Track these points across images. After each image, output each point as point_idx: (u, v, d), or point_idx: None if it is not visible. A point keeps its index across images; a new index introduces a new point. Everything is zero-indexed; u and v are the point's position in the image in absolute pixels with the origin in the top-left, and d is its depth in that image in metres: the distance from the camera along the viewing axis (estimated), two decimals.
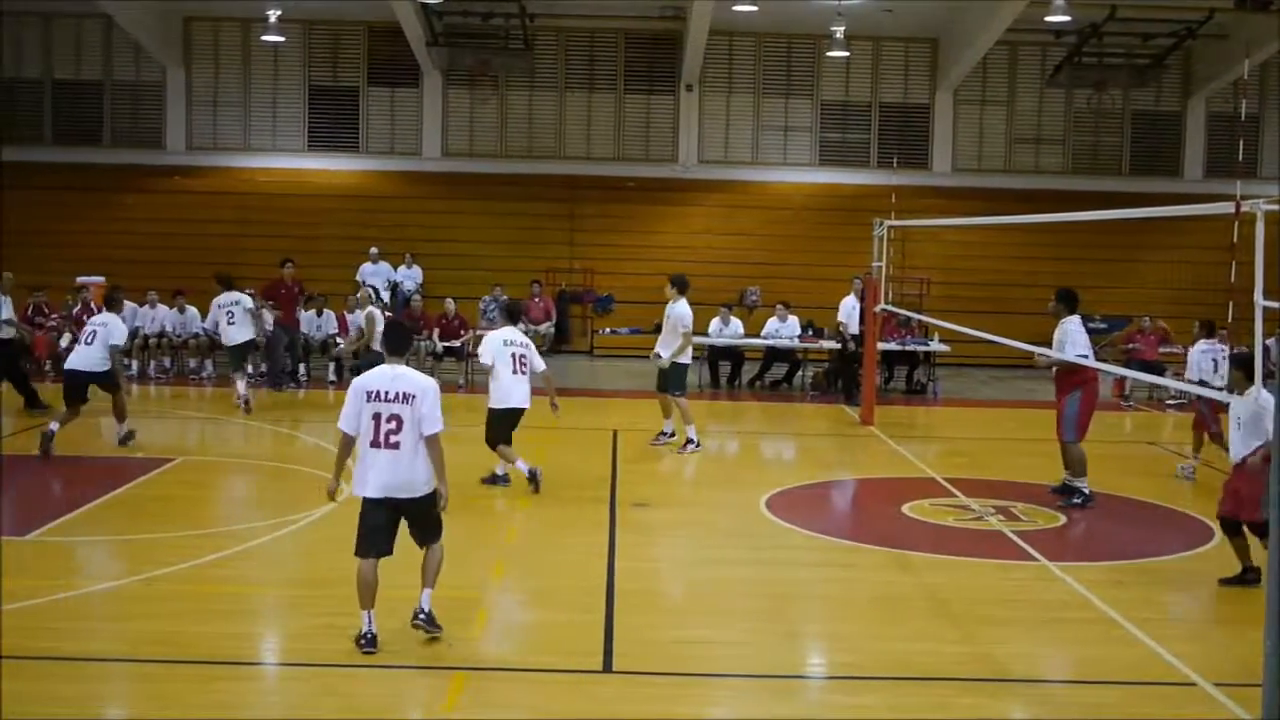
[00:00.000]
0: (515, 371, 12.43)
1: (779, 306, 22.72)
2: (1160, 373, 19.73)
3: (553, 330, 26.15)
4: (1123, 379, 20.67)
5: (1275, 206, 8.05)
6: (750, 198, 28.74)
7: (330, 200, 28.00)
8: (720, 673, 7.89)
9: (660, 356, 15.37)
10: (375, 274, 25.58)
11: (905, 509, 12.42)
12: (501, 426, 12.60)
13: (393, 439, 7.77)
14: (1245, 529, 9.50)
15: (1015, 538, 11.30)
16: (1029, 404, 19.73)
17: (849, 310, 20.36)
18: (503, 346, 12.49)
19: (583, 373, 23.94)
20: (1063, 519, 12.23)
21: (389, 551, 7.91)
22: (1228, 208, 9.07)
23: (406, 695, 7.42)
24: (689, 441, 15.16)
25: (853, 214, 25.08)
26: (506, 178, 28.31)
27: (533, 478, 12.40)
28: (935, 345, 21.97)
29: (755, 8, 24.52)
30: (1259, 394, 9.17)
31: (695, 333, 22.17)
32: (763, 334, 22.66)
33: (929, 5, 26.52)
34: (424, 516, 7.98)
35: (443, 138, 28.70)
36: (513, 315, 13.07)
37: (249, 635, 8.51)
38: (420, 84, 28.48)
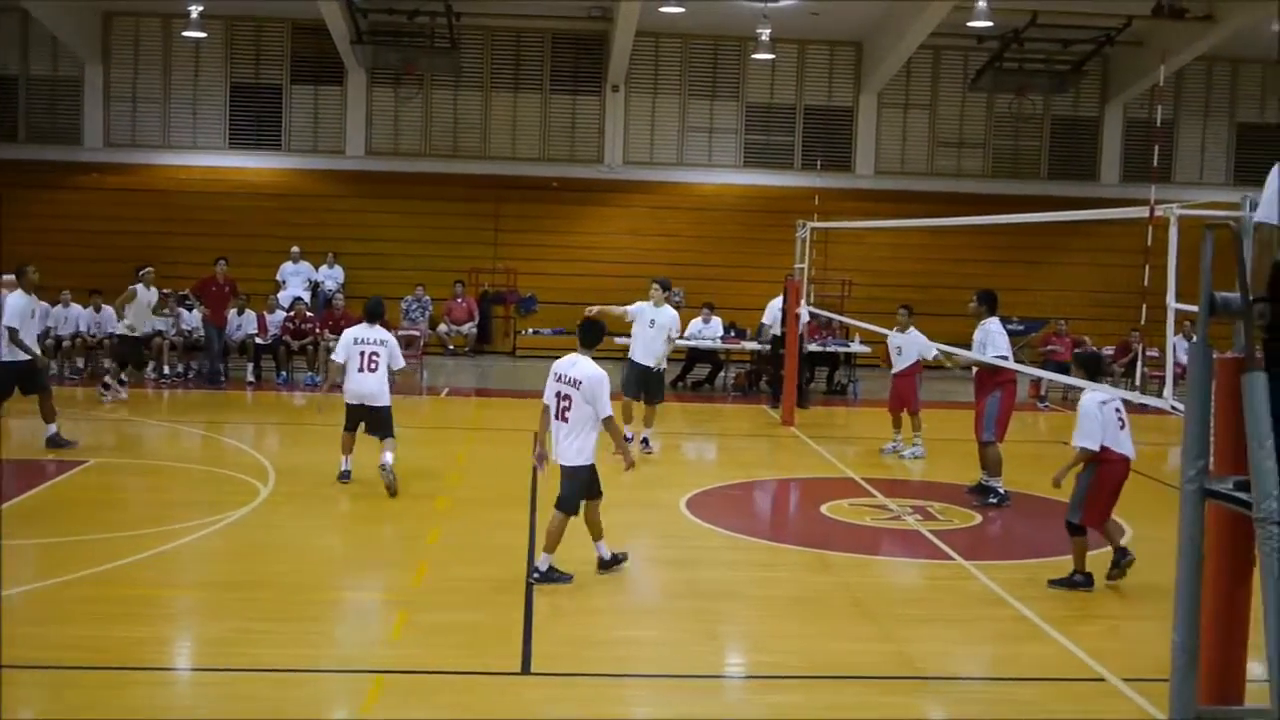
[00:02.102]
0: (362, 369, 12.61)
1: (704, 308, 22.81)
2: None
3: (475, 331, 26.06)
4: (1039, 380, 20.98)
5: (1189, 211, 8.19)
6: (675, 199, 28.81)
7: (252, 199, 27.67)
8: (640, 673, 7.89)
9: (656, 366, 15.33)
10: (296, 273, 25.36)
11: (824, 509, 12.51)
12: (348, 419, 12.77)
13: (565, 414, 9.44)
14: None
15: (932, 537, 11.42)
16: (946, 405, 19.92)
17: (775, 311, 20.35)
18: (353, 344, 12.71)
19: (505, 374, 23.89)
20: (978, 518, 12.38)
21: (574, 512, 9.59)
22: (1143, 212, 9.22)
23: (324, 699, 7.35)
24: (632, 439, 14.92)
25: (777, 215, 25.27)
26: (430, 177, 28.15)
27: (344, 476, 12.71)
28: (856, 346, 22.16)
29: (682, 9, 24.58)
30: (1083, 397, 9.83)
31: (618, 334, 22.21)
32: (686, 335, 22.70)
33: (854, 9, 26.73)
34: (573, 483, 9.54)
35: (367, 136, 28.47)
36: (370, 315, 13.07)
37: (165, 639, 8.38)
38: (344, 82, 28.22)
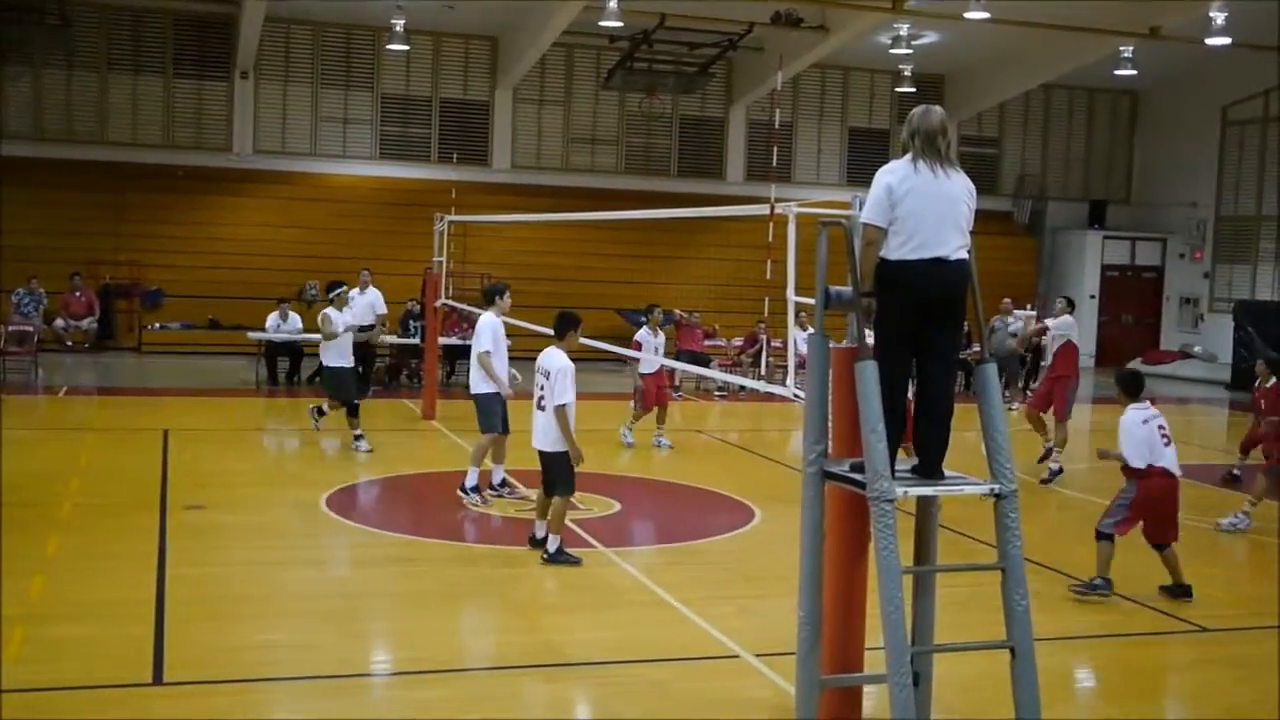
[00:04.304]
0: None
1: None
2: (705, 364, 20.91)
3: (96, 325, 24.67)
4: (672, 370, 21.72)
5: (806, 210, 8.63)
6: (310, 190, 28.19)
7: None
8: (281, 676, 7.68)
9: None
10: None
11: (467, 501, 12.53)
12: None
13: (541, 403, 10.13)
14: None
15: (574, 526, 11.61)
16: (590, 396, 20.34)
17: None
18: None
19: (130, 371, 22.69)
20: (618, 506, 12.69)
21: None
22: (764, 209, 9.68)
23: None
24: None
25: (414, 208, 25.16)
26: (43, 162, 26.45)
27: None
28: None
29: None
30: (1125, 414, 9.99)
31: (251, 328, 21.70)
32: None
33: (489, 4, 26.86)
34: (552, 469, 10.20)
35: None
36: None
37: None
38: None
